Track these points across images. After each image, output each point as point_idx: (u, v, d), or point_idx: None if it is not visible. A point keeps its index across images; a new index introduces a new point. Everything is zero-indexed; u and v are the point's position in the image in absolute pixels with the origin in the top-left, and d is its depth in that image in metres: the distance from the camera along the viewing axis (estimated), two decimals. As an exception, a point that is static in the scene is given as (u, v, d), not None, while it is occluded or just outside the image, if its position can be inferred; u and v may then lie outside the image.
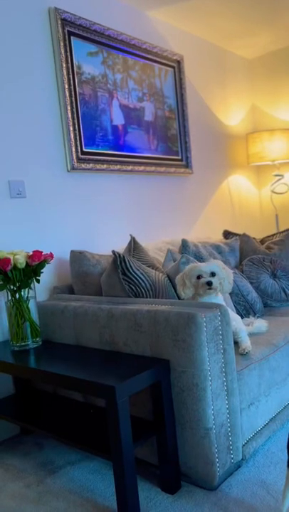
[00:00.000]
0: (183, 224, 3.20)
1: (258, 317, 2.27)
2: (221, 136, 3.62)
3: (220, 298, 1.92)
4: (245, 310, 2.36)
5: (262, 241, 3.16)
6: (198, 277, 1.86)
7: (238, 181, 3.81)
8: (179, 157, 3.17)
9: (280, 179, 3.74)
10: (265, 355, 1.89)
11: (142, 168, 2.85)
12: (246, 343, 1.88)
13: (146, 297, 1.96)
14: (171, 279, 2.11)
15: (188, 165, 3.23)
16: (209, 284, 1.83)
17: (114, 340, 1.80)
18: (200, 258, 2.50)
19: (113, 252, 1.97)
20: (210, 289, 1.83)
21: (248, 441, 1.77)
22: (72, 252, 2.22)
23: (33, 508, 1.61)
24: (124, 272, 1.96)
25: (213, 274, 1.86)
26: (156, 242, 2.70)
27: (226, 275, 1.89)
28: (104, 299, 2.01)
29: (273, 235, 3.19)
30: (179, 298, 2.07)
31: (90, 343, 1.89)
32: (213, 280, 1.84)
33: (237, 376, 1.70)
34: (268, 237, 3.20)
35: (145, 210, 2.91)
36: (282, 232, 3.16)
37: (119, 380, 1.46)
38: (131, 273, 1.96)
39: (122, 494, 1.45)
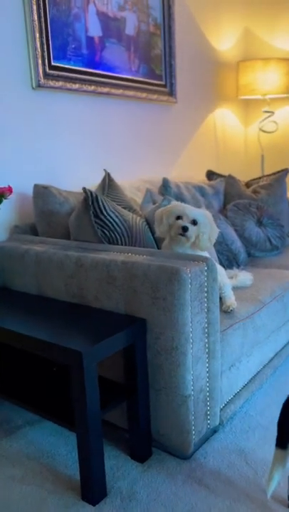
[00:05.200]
0: (163, 161, 2.89)
1: (241, 269, 2.07)
2: (209, 61, 3.22)
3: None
4: (228, 260, 2.15)
5: (247, 184, 2.91)
6: (178, 218, 1.60)
7: (224, 116, 3.46)
8: (163, 82, 2.79)
9: (269, 116, 3.42)
10: (251, 313, 1.71)
11: (120, 91, 2.48)
12: (231, 299, 1.69)
13: (122, 244, 1.70)
14: (150, 224, 1.85)
15: (172, 92, 2.86)
16: (184, 229, 1.56)
17: (83, 293, 1.56)
18: (181, 201, 2.24)
19: (84, 189, 1.67)
20: (182, 235, 1.57)
21: (226, 404, 1.63)
22: (35, 186, 1.91)
23: (-15, 475, 1.43)
24: (97, 213, 1.68)
25: (194, 223, 1.60)
26: (134, 180, 2.40)
27: (209, 231, 1.62)
28: (73, 243, 1.75)
29: (260, 178, 2.94)
30: (157, 246, 1.83)
31: (55, 294, 1.65)
32: (190, 228, 1.57)
33: (220, 337, 1.52)
34: (254, 179, 2.95)
35: (122, 141, 2.57)
36: (269, 175, 2.91)
37: (88, 343, 1.24)
38: (104, 215, 1.69)
39: (86, 469, 1.28)
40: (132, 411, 1.45)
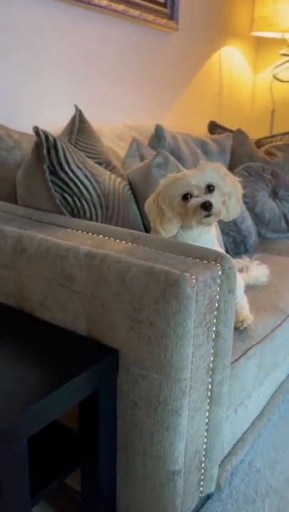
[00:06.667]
0: (155, 104, 2.27)
1: (254, 259, 1.53)
2: (222, -19, 2.54)
3: (212, 233, 1.13)
4: (235, 244, 1.63)
5: (257, 143, 2.34)
6: (185, 197, 1.02)
7: (231, 56, 2.82)
8: (162, 0, 2.13)
9: (288, 61, 2.79)
10: (270, 330, 1.20)
11: (105, 2, 1.82)
12: (244, 310, 1.17)
13: (91, 218, 1.14)
14: (134, 190, 1.29)
15: (173, 15, 2.20)
16: (207, 206, 0.99)
17: (24, 293, 1.00)
18: (179, 158, 1.67)
19: (36, 130, 1.08)
20: (208, 215, 1.01)
21: (225, 457, 1.15)
22: (-28, 121, 1.31)
23: None
24: (55, 169, 1.10)
25: (210, 189, 1.03)
26: (116, 126, 1.80)
27: (232, 188, 1.05)
28: (19, 210, 1.18)
29: (272, 137, 2.37)
30: (143, 222, 1.27)
31: (-16, 289, 1.10)
32: (213, 200, 1.01)
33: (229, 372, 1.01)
34: (266, 138, 2.38)
35: (103, 72, 1.93)
36: (285, 133, 2.35)
37: (15, 403, 0.70)
38: (66, 172, 1.11)
39: None
40: (89, 479, 0.95)
